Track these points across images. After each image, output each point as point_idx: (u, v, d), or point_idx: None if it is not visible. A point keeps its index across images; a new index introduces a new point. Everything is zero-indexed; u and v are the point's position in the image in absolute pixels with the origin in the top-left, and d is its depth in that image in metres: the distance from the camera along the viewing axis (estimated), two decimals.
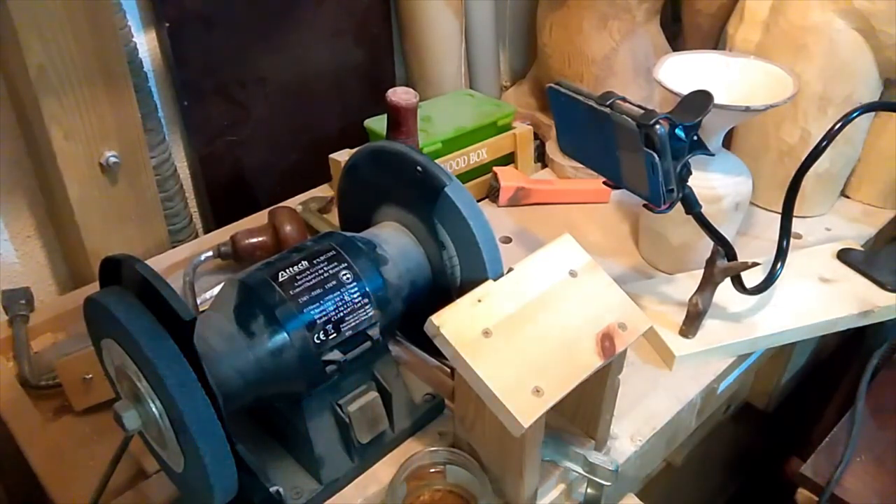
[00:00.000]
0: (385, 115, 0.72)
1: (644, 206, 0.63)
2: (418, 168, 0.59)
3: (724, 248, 0.68)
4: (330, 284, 0.55)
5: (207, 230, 0.97)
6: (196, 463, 0.46)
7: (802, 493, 0.74)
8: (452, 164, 0.92)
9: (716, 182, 0.74)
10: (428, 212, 0.60)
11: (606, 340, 0.55)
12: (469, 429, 0.58)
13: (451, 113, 0.97)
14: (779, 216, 0.72)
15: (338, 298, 0.55)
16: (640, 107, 0.58)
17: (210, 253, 0.80)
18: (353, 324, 0.55)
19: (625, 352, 0.58)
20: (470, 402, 0.55)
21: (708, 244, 0.68)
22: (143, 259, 0.51)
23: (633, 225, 0.91)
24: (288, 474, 0.58)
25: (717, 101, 0.61)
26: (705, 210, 0.65)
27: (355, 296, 0.56)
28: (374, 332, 0.57)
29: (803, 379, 1.06)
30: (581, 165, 0.75)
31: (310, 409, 0.56)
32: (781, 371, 0.98)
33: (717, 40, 0.97)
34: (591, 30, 0.93)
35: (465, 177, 0.95)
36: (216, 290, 0.78)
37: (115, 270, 0.50)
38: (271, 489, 0.54)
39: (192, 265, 0.79)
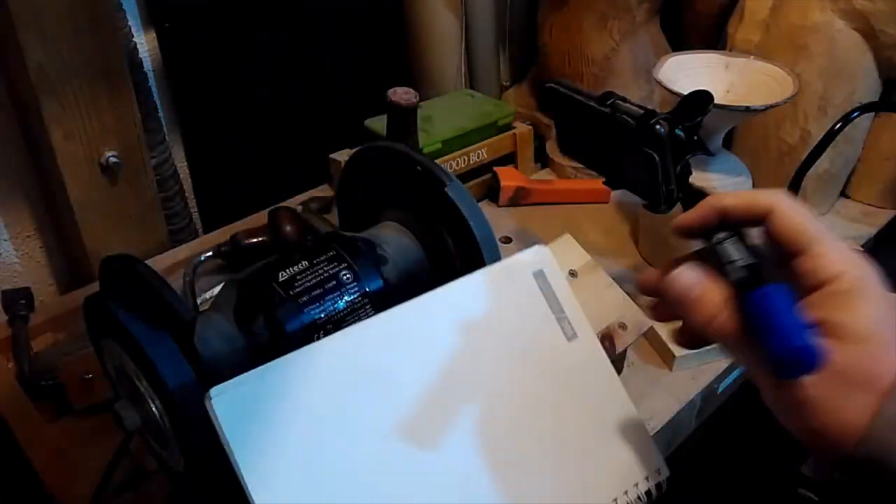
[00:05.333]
0: (385, 115, 0.72)
1: (644, 206, 0.63)
2: (418, 168, 0.59)
3: None
4: (330, 284, 0.55)
5: (207, 230, 0.97)
6: (196, 463, 0.46)
7: (802, 493, 0.73)
8: (452, 164, 0.92)
9: (716, 182, 0.74)
10: (428, 212, 0.60)
11: (607, 340, 0.55)
12: None
13: (451, 113, 0.97)
14: None
15: (338, 298, 0.55)
16: (640, 107, 0.58)
17: (210, 253, 0.80)
18: (352, 324, 0.55)
19: (625, 352, 0.58)
20: None
21: None
22: (143, 259, 0.51)
23: (633, 225, 0.91)
24: None
25: (717, 101, 0.61)
26: None
27: (355, 296, 0.56)
28: None
29: None
30: (581, 165, 0.75)
31: None
32: None
33: (717, 40, 0.97)
34: (591, 30, 0.93)
35: (465, 177, 0.95)
36: (216, 290, 0.78)
37: (115, 270, 0.50)
38: None
39: (192, 265, 0.79)
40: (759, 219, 0.38)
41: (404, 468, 0.42)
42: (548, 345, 0.48)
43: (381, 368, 0.43)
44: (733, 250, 0.39)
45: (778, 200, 0.38)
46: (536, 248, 0.50)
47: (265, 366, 0.41)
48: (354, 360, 0.43)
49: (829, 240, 0.37)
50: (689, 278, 0.40)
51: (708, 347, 0.71)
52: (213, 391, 0.40)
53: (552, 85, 0.65)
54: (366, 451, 0.41)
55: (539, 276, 0.50)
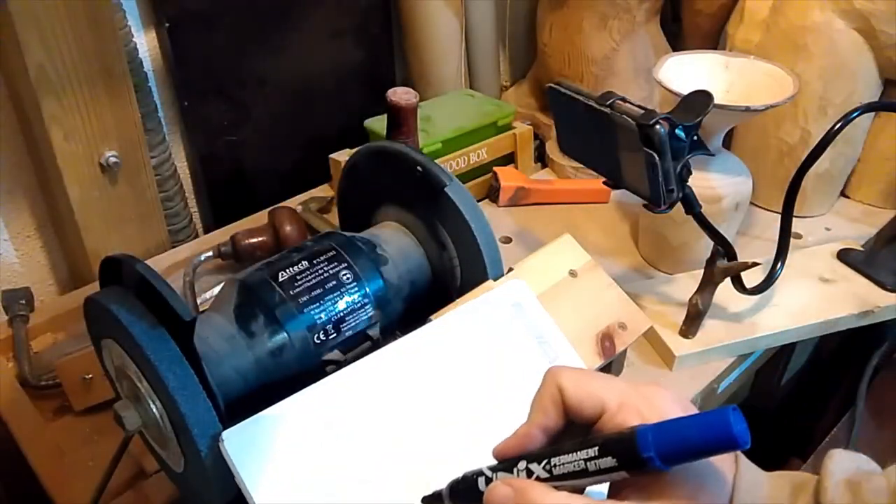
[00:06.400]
0: (385, 115, 0.72)
1: (644, 206, 0.63)
2: (418, 168, 0.59)
3: (724, 248, 0.68)
4: (330, 284, 0.55)
5: (207, 230, 0.97)
6: (196, 463, 0.46)
7: None
8: (452, 164, 0.92)
9: (716, 182, 0.74)
10: (428, 212, 0.60)
11: (606, 340, 0.55)
12: None
13: (451, 113, 0.97)
14: (779, 216, 0.72)
15: (338, 298, 0.55)
16: (640, 107, 0.58)
17: (210, 253, 0.80)
18: (352, 324, 0.55)
19: (625, 352, 0.58)
20: None
21: (708, 244, 0.68)
22: (143, 259, 0.51)
23: (633, 225, 0.91)
24: None
25: (717, 101, 0.61)
26: (705, 210, 0.65)
27: (355, 296, 0.56)
28: (374, 332, 0.57)
29: (803, 379, 1.06)
30: (581, 165, 0.75)
31: None
32: (781, 371, 0.98)
33: (717, 40, 0.97)
34: (591, 30, 0.93)
35: (465, 177, 0.95)
36: (216, 290, 0.78)
37: (115, 270, 0.50)
38: None
39: (192, 265, 0.79)
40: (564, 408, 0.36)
41: (399, 495, 0.45)
42: (532, 367, 0.50)
43: (376, 405, 0.47)
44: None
45: (555, 375, 0.36)
46: (512, 281, 0.54)
47: (271, 408, 0.46)
48: (351, 399, 0.47)
49: (616, 391, 0.35)
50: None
51: (708, 347, 0.71)
52: (225, 434, 0.44)
53: (552, 85, 0.65)
54: (365, 481, 0.45)
55: (517, 306, 0.53)
